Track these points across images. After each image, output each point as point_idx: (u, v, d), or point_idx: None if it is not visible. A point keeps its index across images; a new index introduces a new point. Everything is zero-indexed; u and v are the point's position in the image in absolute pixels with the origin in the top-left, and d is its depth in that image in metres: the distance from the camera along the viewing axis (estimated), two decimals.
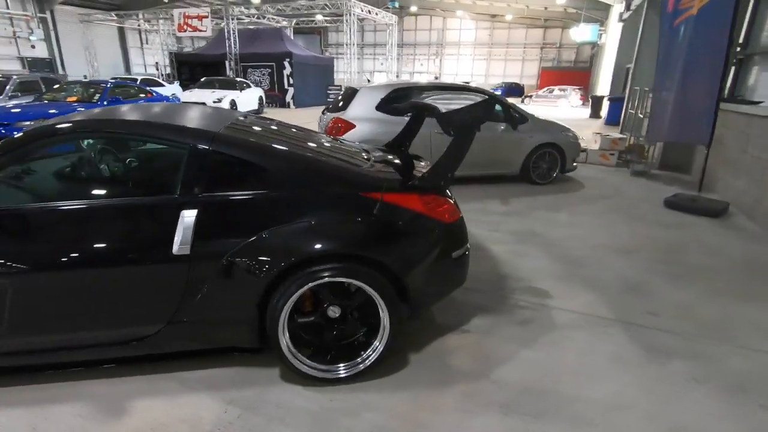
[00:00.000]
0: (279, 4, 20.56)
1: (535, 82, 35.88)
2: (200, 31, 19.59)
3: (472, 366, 2.24)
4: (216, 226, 1.91)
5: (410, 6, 35.01)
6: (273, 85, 19.01)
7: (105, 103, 8.18)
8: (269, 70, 18.95)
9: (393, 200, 2.09)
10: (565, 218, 4.63)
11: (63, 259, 1.82)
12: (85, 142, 2.30)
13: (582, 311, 2.76)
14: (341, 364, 2.05)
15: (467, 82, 33.36)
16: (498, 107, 5.94)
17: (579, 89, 24.81)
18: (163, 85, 16.35)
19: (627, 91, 11.69)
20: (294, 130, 2.77)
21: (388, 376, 2.14)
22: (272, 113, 16.12)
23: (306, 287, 1.91)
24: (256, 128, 2.36)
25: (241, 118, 2.45)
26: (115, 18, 25.66)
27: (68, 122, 1.95)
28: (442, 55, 39.61)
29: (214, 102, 12.47)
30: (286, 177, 2.01)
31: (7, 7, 26.81)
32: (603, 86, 20.50)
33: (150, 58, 34.43)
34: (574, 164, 6.29)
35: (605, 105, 15.56)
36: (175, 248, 1.84)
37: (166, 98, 10.42)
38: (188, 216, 1.87)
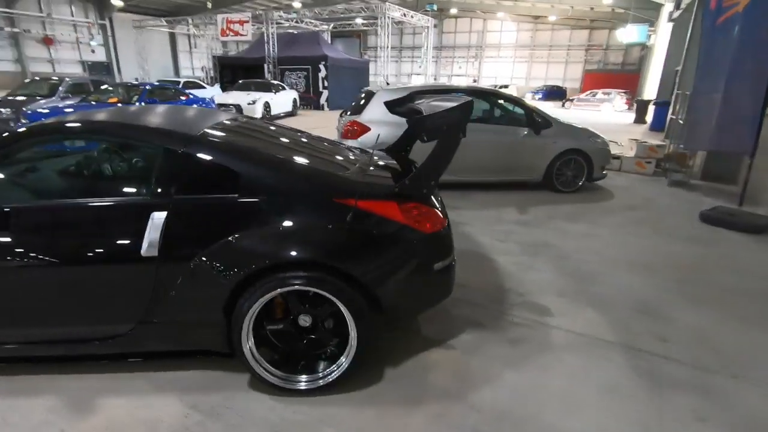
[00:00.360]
0: (316, 8, 20.92)
1: (578, 85, 34.54)
2: (241, 35, 20.28)
3: (450, 385, 2.11)
4: (184, 229, 1.90)
5: (450, 8, 34.64)
6: (308, 87, 19.34)
7: (142, 103, 8.58)
8: (305, 73, 19.30)
9: (368, 207, 2.00)
10: (583, 229, 4.35)
11: (38, 256, 1.87)
12: (69, 143, 2.37)
13: (582, 332, 2.56)
14: (303, 376, 1.98)
15: (506, 85, 32.65)
16: (520, 111, 5.71)
17: (625, 93, 23.58)
18: (204, 87, 17.04)
19: (673, 95, 10.97)
20: (284, 133, 2.74)
21: (359, 390, 2.05)
22: (305, 115, 16.39)
23: (271, 294, 1.87)
24: (238, 131, 2.34)
25: (228, 121, 2.44)
26: (165, 24, 27.05)
27: (51, 123, 2.01)
28: (482, 57, 38.91)
29: (248, 104, 12.83)
30: (257, 181, 1.97)
31: (72, 15, 28.99)
32: (651, 90, 19.40)
33: (197, 62, 36.11)
34: (604, 172, 5.93)
35: (651, 110, 14.69)
36: (143, 250, 1.85)
37: (202, 100, 10.81)
38: (158, 218, 1.87)
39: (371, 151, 3.18)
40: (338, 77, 19.20)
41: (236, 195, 1.94)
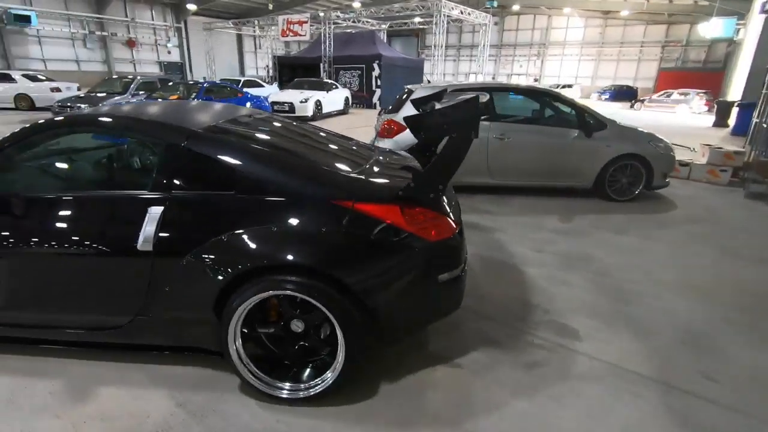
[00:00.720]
0: (373, 8, 21.01)
1: (652, 84, 31.96)
2: (300, 35, 20.86)
3: (448, 408, 1.93)
4: (179, 224, 1.89)
5: (512, 5, 33.38)
6: (361, 86, 19.49)
7: (197, 100, 9.05)
8: (359, 72, 19.46)
9: (367, 210, 1.88)
10: (632, 243, 3.92)
11: (45, 244, 1.94)
12: (84, 136, 2.45)
13: (611, 361, 2.26)
14: (287, 384, 1.91)
15: (569, 85, 30.94)
16: (570, 111, 5.29)
17: (705, 93, 21.38)
18: (262, 86, 17.75)
19: (762, 96, 9.73)
20: (297, 131, 2.69)
21: (350, 404, 1.94)
22: (356, 113, 16.52)
23: (257, 297, 1.81)
24: (246, 128, 2.31)
25: (241, 118, 2.43)
26: (232, 26, 28.51)
27: (65, 117, 2.09)
28: (544, 55, 37.19)
29: (300, 102, 13.13)
30: (254, 179, 1.92)
31: (152, 19, 31.43)
32: (736, 90, 17.42)
33: (261, 62, 37.76)
34: (666, 180, 5.35)
35: (734, 112, 13.17)
36: (139, 244, 1.86)
37: (256, 98, 11.22)
38: (154, 212, 1.88)
39: (396, 151, 3.05)
40: (391, 76, 19.17)
41: (233, 192, 1.91)
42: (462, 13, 20.26)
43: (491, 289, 3.01)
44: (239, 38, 36.90)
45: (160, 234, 1.85)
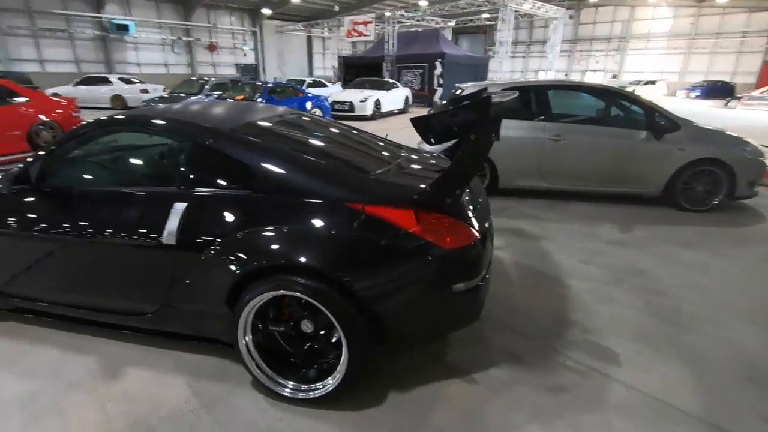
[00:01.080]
0: (438, 5, 20.73)
1: (754, 80, 28.33)
2: (364, 35, 21.18)
3: (454, 425, 1.83)
4: (199, 220, 1.96)
5: None
6: (423, 85, 19.35)
7: (262, 100, 9.53)
8: (421, 71, 19.33)
9: (379, 214, 1.83)
10: (700, 260, 3.47)
11: (88, 233, 2.12)
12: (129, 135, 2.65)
13: (651, 392, 2.01)
14: (290, 383, 1.92)
15: (652, 81, 28.39)
16: (638, 110, 4.82)
17: None
18: (326, 86, 18.28)
19: None
20: (328, 131, 2.70)
21: (354, 410, 1.91)
22: (415, 113, 16.42)
23: (265, 295, 1.83)
24: (277, 128, 2.37)
25: (277, 117, 2.51)
26: (302, 28, 29.65)
27: (107, 118, 2.28)
28: (625, 50, 34.40)
29: (360, 101, 13.32)
30: (270, 179, 1.94)
31: (231, 24, 33.64)
32: None
33: (328, 62, 38.92)
34: (754, 189, 4.68)
35: None
36: (164, 238, 1.96)
37: (315, 97, 11.57)
38: (178, 208, 1.97)
39: (427, 152, 2.97)
40: (454, 74, 18.79)
41: (249, 191, 1.95)
42: (533, 7, 19.36)
43: (526, 301, 2.82)
44: (309, 40, 38.31)
45: (183, 229, 1.95)
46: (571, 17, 33.30)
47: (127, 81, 16.84)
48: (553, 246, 3.74)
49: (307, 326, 1.94)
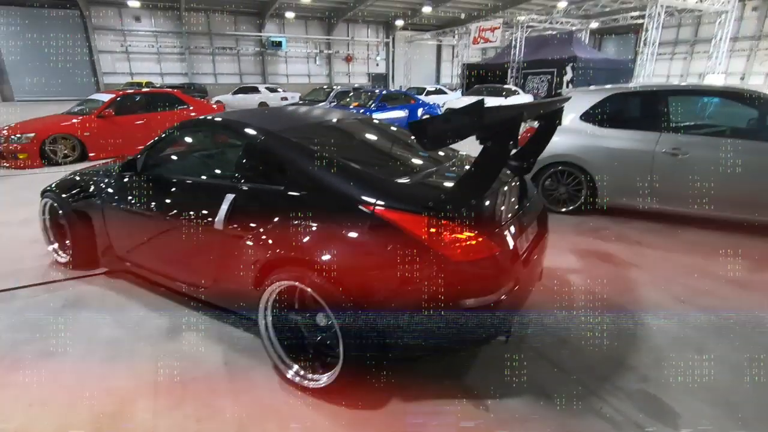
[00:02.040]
0: (572, 6, 19.13)
1: None
2: (491, 41, 20.67)
3: None
4: (241, 211, 2.22)
5: None
6: (550, 91, 18.09)
7: (374, 107, 10.04)
8: (548, 77, 18.12)
9: (388, 217, 1.84)
10: None
11: (168, 215, 2.56)
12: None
13: None
14: (295, 366, 2.04)
15: None
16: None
17: None
18: (446, 93, 18.37)
19: None
20: (376, 134, 2.81)
21: (350, 408, 1.94)
22: None
23: (279, 284, 1.99)
24: (323, 129, 2.55)
25: (331, 119, 2.72)
26: (429, 37, 30.22)
27: (188, 121, 2.73)
28: None
29: None
30: (301, 177, 2.09)
31: (367, 36, 36.04)
32: None
33: (456, 70, 38.98)
34: None
35: None
36: (215, 223, 2.27)
37: (427, 104, 11.73)
38: (228, 198, 2.26)
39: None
40: (588, 79, 17.20)
41: (282, 187, 2.13)
42: (697, 1, 16.59)
43: (581, 334, 2.49)
44: (438, 48, 38.87)
45: (229, 217, 2.22)
46: (754, 9, 27.66)
47: (273, 90, 19.38)
48: (645, 277, 3.20)
49: (321, 319, 2.03)
